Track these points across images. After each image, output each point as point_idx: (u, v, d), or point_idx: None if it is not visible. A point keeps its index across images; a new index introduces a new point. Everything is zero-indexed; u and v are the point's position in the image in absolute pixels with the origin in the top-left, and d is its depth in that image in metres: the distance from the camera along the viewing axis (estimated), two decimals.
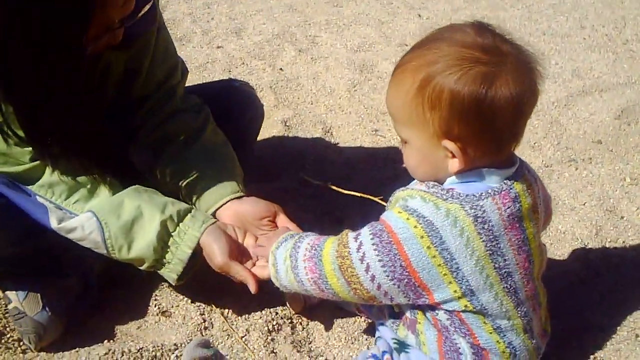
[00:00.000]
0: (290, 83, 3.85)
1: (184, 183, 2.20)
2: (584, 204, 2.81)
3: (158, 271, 2.05)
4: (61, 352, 2.07)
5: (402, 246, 1.60)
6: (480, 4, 5.09)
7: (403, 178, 2.91)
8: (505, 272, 1.66)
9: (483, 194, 1.62)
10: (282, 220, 2.13)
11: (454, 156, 1.60)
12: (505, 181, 1.65)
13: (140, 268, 2.05)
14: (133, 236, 1.98)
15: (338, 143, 3.31)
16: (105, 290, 2.30)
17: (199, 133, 2.27)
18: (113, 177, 2.06)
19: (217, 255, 1.99)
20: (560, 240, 2.59)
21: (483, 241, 1.61)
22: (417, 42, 1.67)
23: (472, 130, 1.56)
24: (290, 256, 1.79)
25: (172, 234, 1.99)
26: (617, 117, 3.43)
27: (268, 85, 3.80)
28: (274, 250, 1.85)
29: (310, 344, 2.17)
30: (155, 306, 2.26)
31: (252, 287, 1.98)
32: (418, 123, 1.59)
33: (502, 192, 1.63)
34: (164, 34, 2.26)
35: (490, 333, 1.72)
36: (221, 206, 2.16)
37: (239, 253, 2.05)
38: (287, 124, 3.41)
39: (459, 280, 1.62)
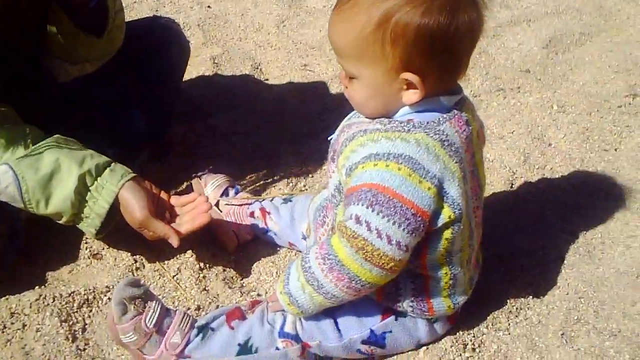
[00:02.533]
0: (218, 20, 3.79)
1: None
2: (512, 132, 2.84)
3: (77, 225, 2.04)
4: None
5: (402, 195, 1.57)
6: None
7: (332, 111, 2.94)
8: (467, 196, 1.69)
9: (440, 119, 1.64)
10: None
11: (409, 88, 1.60)
12: (454, 108, 1.67)
13: (59, 222, 2.03)
14: (50, 190, 1.95)
15: (267, 79, 3.29)
16: (33, 236, 2.26)
17: None
18: (35, 127, 2.03)
19: (136, 210, 1.97)
20: (489, 168, 2.61)
21: (456, 162, 1.63)
22: None
23: (434, 61, 1.56)
24: (308, 281, 1.67)
25: (90, 188, 1.97)
26: (545, 47, 3.45)
27: (196, 23, 3.74)
28: (282, 291, 1.74)
29: (242, 280, 2.18)
30: (86, 249, 2.24)
31: (174, 241, 1.99)
32: (374, 58, 1.57)
33: (456, 117, 1.66)
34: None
35: (442, 264, 1.74)
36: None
37: (158, 209, 2.04)
38: (216, 62, 3.36)
39: (451, 204, 1.63)
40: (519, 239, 2.28)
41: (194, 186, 2.38)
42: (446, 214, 1.63)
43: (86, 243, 2.26)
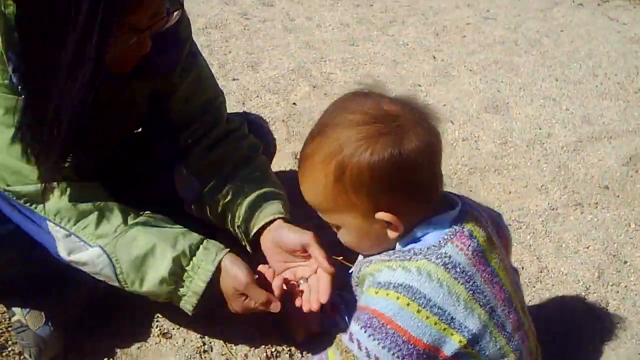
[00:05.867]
0: (302, 117, 3.89)
1: (232, 205, 2.23)
2: (588, 248, 2.83)
3: (174, 303, 2.05)
4: None
5: (396, 323, 1.60)
6: (495, 49, 5.14)
7: None
8: (489, 307, 1.68)
9: (441, 241, 1.65)
10: (314, 251, 2.10)
11: (388, 225, 1.64)
12: (454, 224, 1.68)
13: (157, 300, 2.05)
14: (145, 271, 1.97)
15: None
16: (108, 310, 2.32)
17: (249, 159, 2.33)
18: (125, 204, 2.07)
19: (240, 275, 1.98)
20: (563, 282, 2.60)
21: (461, 284, 1.63)
22: (311, 130, 1.70)
23: (399, 195, 1.61)
24: None
25: (187, 268, 1.98)
26: (625, 164, 3.45)
27: (281, 118, 3.84)
28: None
29: None
30: (156, 327, 2.28)
31: (276, 306, 1.99)
32: (346, 207, 1.64)
33: (457, 234, 1.66)
34: (198, 70, 2.32)
35: None
36: (265, 225, 2.18)
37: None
38: (298, 157, 3.42)
39: (458, 329, 1.62)
40: (590, 355, 2.24)
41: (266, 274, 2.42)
42: (456, 340, 1.63)
43: (157, 321, 2.30)
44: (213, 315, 2.29)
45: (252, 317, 2.29)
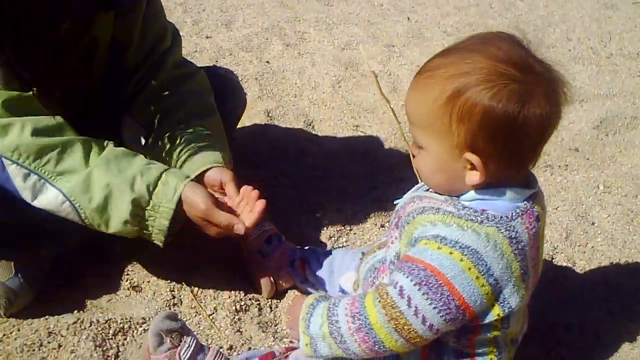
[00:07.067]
0: (275, 76, 3.88)
1: (174, 153, 2.22)
2: (557, 209, 2.85)
3: (145, 238, 2.05)
4: (30, 319, 2.09)
5: (453, 285, 1.57)
6: (470, 11, 5.13)
7: (379, 173, 2.97)
8: (528, 290, 1.68)
9: (513, 214, 1.61)
10: (229, 189, 2.12)
11: (473, 168, 1.58)
12: (527, 201, 1.65)
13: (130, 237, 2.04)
14: (108, 215, 1.96)
15: (319, 136, 3.34)
16: (78, 264, 2.32)
17: (198, 115, 2.30)
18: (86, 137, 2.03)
19: (199, 202, 1.97)
20: None
21: (518, 262, 1.61)
22: (447, 47, 1.64)
23: (497, 147, 1.54)
24: (331, 333, 1.68)
25: (147, 209, 1.97)
26: (595, 127, 3.47)
27: (253, 76, 3.82)
28: (304, 330, 1.74)
29: (276, 325, 2.19)
30: (126, 281, 2.29)
31: (241, 228, 1.99)
32: (442, 132, 1.57)
33: (528, 212, 1.63)
34: (154, 4, 2.30)
35: (489, 345, 1.73)
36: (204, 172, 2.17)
37: (218, 204, 2.04)
38: (270, 115, 3.43)
39: (501, 303, 1.62)
40: (557, 313, 2.27)
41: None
42: (495, 312, 1.62)
43: (127, 275, 2.31)
44: (183, 269, 2.30)
45: (221, 271, 2.31)
